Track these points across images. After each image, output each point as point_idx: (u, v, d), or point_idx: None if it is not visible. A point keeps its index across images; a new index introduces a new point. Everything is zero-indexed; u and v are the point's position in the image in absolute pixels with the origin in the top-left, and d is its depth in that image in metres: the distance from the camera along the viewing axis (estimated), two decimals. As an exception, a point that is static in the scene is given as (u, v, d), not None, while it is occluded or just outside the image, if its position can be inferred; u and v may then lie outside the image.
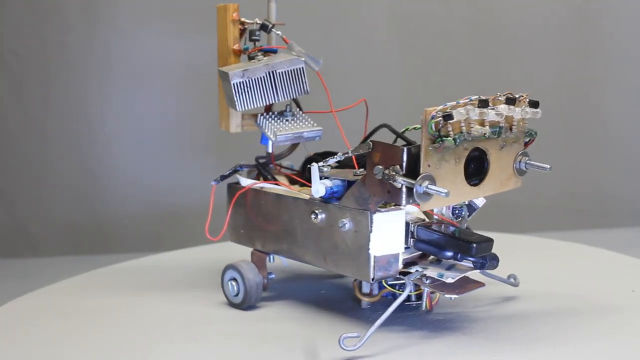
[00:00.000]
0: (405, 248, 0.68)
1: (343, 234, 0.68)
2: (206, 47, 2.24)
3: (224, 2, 0.79)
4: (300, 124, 0.79)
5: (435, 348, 0.65)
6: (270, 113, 0.81)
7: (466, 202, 0.72)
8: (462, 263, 0.67)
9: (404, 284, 0.69)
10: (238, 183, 0.81)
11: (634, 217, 2.36)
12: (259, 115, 0.80)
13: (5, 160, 2.29)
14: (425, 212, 0.72)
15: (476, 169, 0.67)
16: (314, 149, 0.82)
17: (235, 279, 0.80)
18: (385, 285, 0.71)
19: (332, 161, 0.72)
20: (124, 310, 0.82)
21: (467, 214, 0.73)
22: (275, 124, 0.79)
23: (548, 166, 0.69)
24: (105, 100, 2.28)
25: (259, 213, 0.78)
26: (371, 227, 0.65)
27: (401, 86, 2.25)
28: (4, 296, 0.96)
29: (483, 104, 0.64)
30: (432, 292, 0.73)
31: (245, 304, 0.79)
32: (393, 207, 0.67)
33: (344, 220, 0.67)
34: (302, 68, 0.76)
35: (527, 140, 0.70)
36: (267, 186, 0.78)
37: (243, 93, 0.75)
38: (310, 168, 0.71)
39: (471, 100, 0.64)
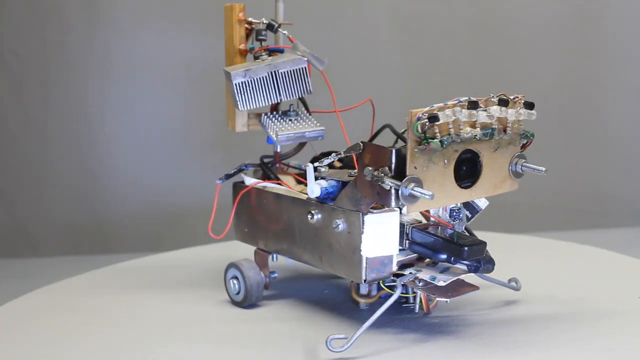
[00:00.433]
0: (402, 250, 0.68)
1: (337, 235, 0.68)
2: (206, 47, 2.25)
3: (230, 2, 0.79)
4: (303, 123, 0.79)
5: (426, 351, 0.65)
6: (274, 112, 0.81)
7: (458, 205, 0.71)
8: (456, 266, 0.67)
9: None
10: (243, 182, 0.82)
11: (634, 217, 2.36)
12: (263, 114, 0.80)
13: (5, 160, 2.29)
14: (422, 214, 0.72)
15: (469, 171, 0.67)
16: (320, 149, 0.82)
17: (236, 277, 0.80)
18: (383, 287, 0.71)
19: (326, 162, 0.72)
20: (124, 310, 0.82)
21: (470, 215, 0.72)
22: (278, 123, 0.79)
23: (543, 169, 0.68)
24: (105, 100, 2.28)
25: (261, 212, 0.79)
26: (363, 228, 0.65)
27: (403, 86, 2.25)
28: (4, 296, 0.96)
29: (472, 105, 0.63)
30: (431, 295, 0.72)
31: (246, 302, 0.79)
32: (388, 208, 0.67)
33: (337, 221, 0.67)
34: (305, 68, 0.76)
35: (524, 142, 0.69)
36: (270, 185, 0.78)
37: (245, 93, 0.76)
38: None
39: (460, 101, 0.63)
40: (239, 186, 0.82)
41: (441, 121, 0.61)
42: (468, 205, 0.73)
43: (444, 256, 0.65)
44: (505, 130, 0.67)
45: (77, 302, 0.86)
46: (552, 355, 0.64)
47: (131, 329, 0.76)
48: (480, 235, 0.74)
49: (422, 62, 2.29)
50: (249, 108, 0.76)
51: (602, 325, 0.71)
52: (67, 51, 2.24)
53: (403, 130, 0.70)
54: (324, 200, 0.70)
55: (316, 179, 0.71)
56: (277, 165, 0.83)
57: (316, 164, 0.72)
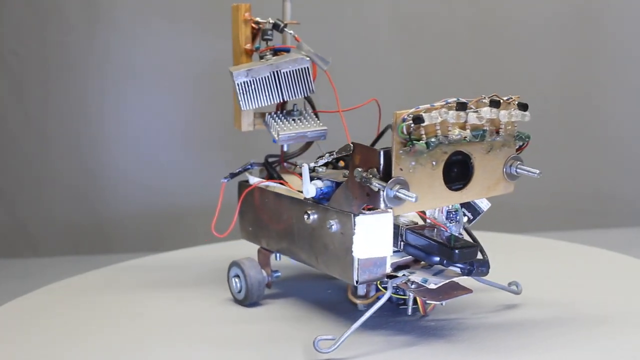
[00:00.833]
0: (397, 252, 0.68)
1: (331, 236, 0.68)
2: (206, 47, 2.25)
3: (237, 1, 0.79)
4: (306, 123, 0.79)
5: (414, 355, 0.65)
6: (278, 112, 0.81)
7: (455, 207, 0.70)
8: (450, 269, 0.66)
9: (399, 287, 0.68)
10: (247, 181, 0.82)
11: (634, 217, 2.36)
12: (267, 113, 0.80)
13: (5, 160, 2.29)
14: (420, 216, 0.71)
15: (460, 173, 0.66)
16: (327, 149, 0.82)
17: (238, 276, 0.81)
18: (380, 288, 0.71)
19: (321, 162, 0.72)
20: (124, 310, 0.82)
21: (472, 217, 0.72)
22: (281, 123, 0.79)
23: (537, 171, 0.68)
24: (105, 100, 2.28)
25: (264, 212, 0.79)
26: (354, 229, 0.65)
27: (403, 86, 2.25)
28: (4, 296, 0.96)
29: (461, 106, 0.62)
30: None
31: (248, 301, 0.80)
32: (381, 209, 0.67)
33: (331, 221, 0.67)
34: (308, 68, 0.76)
35: (521, 144, 0.68)
36: (272, 185, 0.78)
37: (247, 92, 0.76)
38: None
39: (448, 103, 0.63)
40: (243, 185, 0.82)
41: (427, 123, 0.61)
42: (470, 207, 0.72)
43: (436, 259, 0.65)
44: (498, 132, 0.66)
45: (77, 302, 0.86)
46: (544, 359, 0.63)
47: (131, 329, 0.76)
48: (480, 235, 0.74)
49: (422, 62, 2.29)
50: (251, 108, 0.76)
51: (602, 325, 0.71)
52: (67, 51, 2.24)
53: (382, 130, 0.70)
54: (319, 200, 0.70)
55: (313, 179, 0.71)
56: (284, 164, 0.83)
57: (311, 164, 0.72)
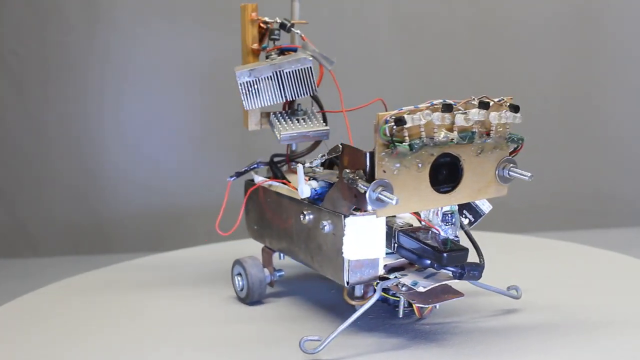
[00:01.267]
0: (392, 254, 0.68)
1: (324, 236, 0.67)
2: (206, 46, 2.25)
3: (243, 2, 0.79)
4: (309, 123, 0.79)
5: (401, 358, 0.64)
6: (283, 111, 0.81)
7: (440, 208, 0.69)
8: (443, 272, 0.66)
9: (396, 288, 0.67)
10: (253, 180, 0.82)
11: (634, 217, 2.36)
12: (271, 113, 0.80)
13: (5, 160, 2.29)
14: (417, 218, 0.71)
15: (450, 175, 0.65)
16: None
17: (240, 274, 0.81)
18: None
19: (316, 162, 0.72)
20: (124, 310, 0.82)
21: (473, 220, 0.71)
22: (284, 122, 0.79)
23: (529, 174, 0.66)
24: (105, 100, 2.28)
25: (267, 211, 0.79)
26: (344, 230, 0.65)
27: (403, 86, 2.25)
28: (4, 296, 0.96)
29: (447, 108, 0.61)
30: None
31: (249, 299, 0.80)
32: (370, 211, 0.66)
33: (324, 222, 0.67)
34: (310, 68, 0.76)
35: (515, 146, 0.67)
36: (275, 184, 0.78)
37: (250, 92, 0.76)
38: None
39: (432, 104, 0.62)
40: (249, 184, 0.82)
41: (409, 125, 0.60)
42: (472, 209, 0.72)
43: (428, 262, 0.64)
44: (488, 134, 0.65)
45: (77, 302, 0.86)
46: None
47: (131, 328, 0.76)
48: (480, 235, 0.74)
49: (422, 62, 2.29)
50: (254, 107, 0.76)
51: (602, 326, 0.71)
52: (67, 51, 2.24)
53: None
54: (315, 201, 0.70)
55: (313, 179, 0.71)
56: (295, 163, 0.83)
57: (307, 165, 0.71)
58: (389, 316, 0.74)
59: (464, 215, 0.72)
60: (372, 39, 2.28)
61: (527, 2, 2.28)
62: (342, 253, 0.65)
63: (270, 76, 0.76)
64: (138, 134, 2.30)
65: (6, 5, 2.21)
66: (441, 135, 0.62)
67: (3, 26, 2.22)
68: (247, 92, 0.76)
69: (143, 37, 2.26)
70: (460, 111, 0.62)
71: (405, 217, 0.70)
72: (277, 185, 0.78)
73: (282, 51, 0.79)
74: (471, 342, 0.67)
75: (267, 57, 0.79)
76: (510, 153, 0.68)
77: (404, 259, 0.68)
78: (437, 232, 0.68)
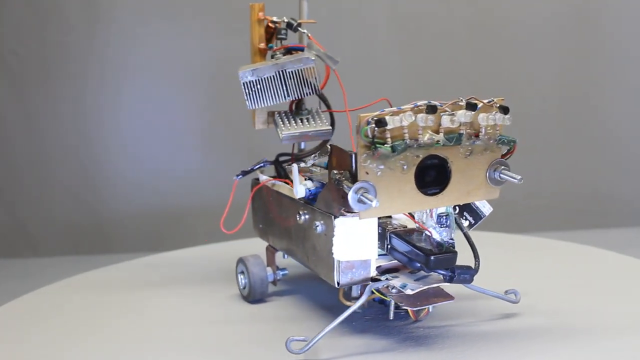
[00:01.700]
0: (385, 255, 0.67)
1: (317, 237, 0.67)
2: (206, 46, 2.25)
3: (254, 1, 0.79)
4: (312, 123, 0.79)
5: None
6: (287, 111, 0.81)
7: (433, 210, 0.68)
8: (435, 275, 0.65)
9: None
10: (258, 179, 0.82)
11: (633, 217, 2.37)
12: (275, 112, 0.80)
13: (5, 160, 2.29)
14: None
15: (438, 177, 0.64)
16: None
17: (243, 272, 0.81)
18: (373, 290, 0.70)
19: (310, 162, 0.71)
20: (124, 310, 0.82)
21: (473, 222, 0.70)
22: (287, 122, 0.79)
23: (519, 177, 0.65)
24: (105, 100, 2.29)
25: (270, 210, 0.79)
26: (333, 231, 0.64)
27: (401, 86, 2.25)
28: (4, 296, 0.96)
29: (431, 110, 0.60)
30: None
31: (251, 297, 0.81)
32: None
33: (317, 222, 0.67)
34: (312, 67, 0.76)
35: (508, 148, 0.66)
36: (278, 184, 0.79)
37: (253, 92, 0.76)
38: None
39: (417, 106, 0.61)
40: (255, 183, 0.83)
41: (390, 126, 0.59)
42: (472, 211, 0.71)
43: (418, 264, 0.63)
44: (477, 136, 0.63)
45: (77, 302, 0.86)
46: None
47: (131, 328, 0.76)
48: (480, 235, 0.74)
49: (421, 62, 2.29)
50: (257, 107, 0.76)
51: (601, 326, 0.71)
52: (67, 51, 2.24)
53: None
54: (310, 201, 0.70)
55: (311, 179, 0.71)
56: (303, 163, 0.83)
57: (302, 165, 0.71)
58: (385, 318, 0.74)
59: (464, 217, 0.71)
60: (371, 39, 2.28)
61: (525, 2, 2.29)
62: (332, 254, 0.65)
63: (273, 76, 0.76)
64: (138, 133, 2.31)
65: (6, 5, 2.21)
66: (426, 136, 0.61)
67: (3, 26, 2.22)
68: (250, 92, 0.76)
69: (143, 37, 2.26)
70: (447, 112, 0.61)
71: (401, 219, 0.70)
72: (280, 185, 0.78)
73: (289, 50, 0.79)
74: (462, 346, 0.67)
75: (272, 57, 0.79)
76: (504, 155, 0.66)
77: (395, 261, 0.67)
78: (430, 234, 0.67)
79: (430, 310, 0.71)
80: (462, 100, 0.62)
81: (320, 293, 0.84)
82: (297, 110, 0.80)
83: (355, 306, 0.66)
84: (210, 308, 0.81)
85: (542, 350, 0.65)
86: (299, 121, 0.79)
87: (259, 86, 0.76)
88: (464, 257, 0.66)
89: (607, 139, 2.36)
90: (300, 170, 0.78)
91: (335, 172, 0.63)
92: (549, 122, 2.31)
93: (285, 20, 0.80)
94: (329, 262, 0.66)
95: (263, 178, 0.81)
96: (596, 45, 2.31)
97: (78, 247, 2.31)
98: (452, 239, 0.69)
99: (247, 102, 0.76)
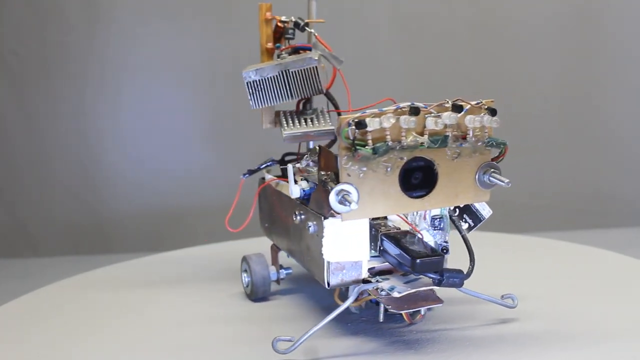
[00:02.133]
0: (378, 257, 0.67)
1: (310, 237, 0.67)
2: (206, 46, 2.25)
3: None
4: (315, 122, 0.79)
5: None
6: (293, 110, 0.81)
7: (426, 212, 0.68)
8: (425, 278, 0.64)
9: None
10: (264, 178, 0.82)
11: (634, 217, 2.36)
12: (280, 112, 0.80)
13: (5, 160, 2.29)
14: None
15: (426, 179, 0.64)
16: None
17: (246, 270, 0.82)
18: (369, 292, 0.70)
19: (304, 162, 0.71)
20: (124, 310, 0.82)
21: (472, 225, 0.70)
22: (290, 121, 0.79)
23: (506, 180, 0.64)
24: (104, 100, 2.29)
25: (273, 209, 0.79)
26: (323, 232, 0.64)
27: (403, 86, 2.25)
28: (4, 296, 0.96)
29: (414, 112, 0.60)
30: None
31: (254, 296, 0.81)
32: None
33: (309, 223, 0.67)
34: (316, 67, 0.76)
35: (500, 151, 0.65)
36: (281, 183, 0.79)
37: (256, 92, 0.76)
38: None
39: (399, 107, 0.60)
40: (261, 182, 0.83)
41: (371, 128, 0.59)
42: (472, 214, 0.70)
43: (406, 267, 0.63)
44: (465, 138, 0.62)
45: (77, 302, 0.86)
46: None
47: (131, 328, 0.76)
48: (480, 235, 0.73)
49: (422, 62, 2.29)
50: (261, 107, 0.77)
51: (601, 326, 0.71)
52: (67, 51, 2.24)
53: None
54: (306, 201, 0.70)
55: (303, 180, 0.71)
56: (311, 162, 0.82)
57: (297, 165, 0.71)
58: (383, 320, 0.73)
59: (464, 220, 0.71)
60: (372, 39, 2.28)
61: (527, 2, 2.28)
62: (322, 254, 0.64)
63: (276, 76, 0.76)
64: (138, 133, 2.31)
65: (6, 5, 2.21)
66: (409, 138, 0.60)
67: (3, 26, 2.22)
68: (254, 92, 0.76)
69: (143, 37, 2.26)
70: (433, 114, 0.61)
71: (396, 221, 0.69)
72: (283, 184, 0.78)
73: (297, 50, 0.79)
74: (450, 350, 0.66)
75: (278, 57, 0.79)
76: (495, 158, 0.65)
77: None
78: (421, 236, 0.67)
79: (423, 312, 0.70)
80: (448, 102, 0.62)
81: (323, 293, 0.84)
82: (302, 109, 0.80)
83: (341, 308, 0.65)
84: (210, 307, 0.81)
85: (534, 354, 0.65)
86: (303, 121, 0.79)
87: (262, 86, 0.76)
88: (463, 260, 0.65)
89: (609, 139, 2.35)
90: (301, 170, 0.78)
91: (322, 173, 0.63)
92: (551, 122, 2.31)
93: (293, 19, 0.80)
94: (320, 262, 0.66)
95: (268, 177, 0.81)
96: (598, 45, 2.31)
97: (78, 247, 2.31)
98: (446, 242, 0.69)
99: (250, 101, 0.76)
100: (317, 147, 0.64)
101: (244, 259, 0.82)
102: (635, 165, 2.37)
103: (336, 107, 0.80)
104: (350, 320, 0.73)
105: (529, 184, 2.27)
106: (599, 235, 2.24)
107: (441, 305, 0.65)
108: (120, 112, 2.30)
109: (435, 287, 0.64)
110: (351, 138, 0.59)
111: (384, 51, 2.28)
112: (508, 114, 2.25)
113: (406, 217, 0.69)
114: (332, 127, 0.78)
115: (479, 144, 0.63)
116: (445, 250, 0.68)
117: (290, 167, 0.69)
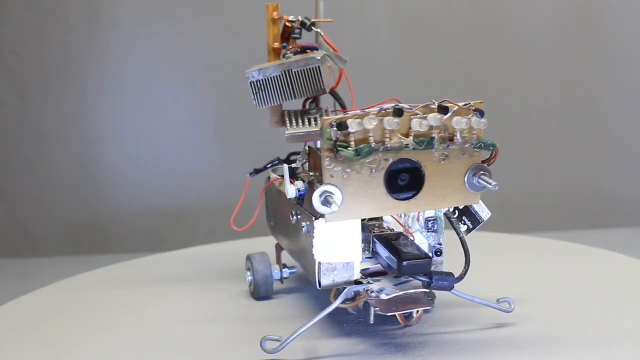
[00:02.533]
0: (371, 258, 0.67)
1: (304, 237, 0.67)
2: (206, 46, 2.25)
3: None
4: (318, 122, 0.79)
5: None
6: (298, 109, 0.81)
7: (419, 213, 0.67)
8: (416, 281, 0.64)
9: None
10: (269, 177, 0.82)
11: (634, 217, 2.36)
12: (285, 111, 0.80)
13: (5, 160, 2.30)
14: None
15: (412, 181, 0.63)
16: None
17: (249, 269, 0.82)
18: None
19: (299, 162, 0.71)
20: (124, 310, 0.82)
21: (471, 226, 0.70)
22: (293, 121, 0.79)
23: (494, 183, 0.63)
24: (104, 100, 2.29)
25: (276, 208, 0.80)
26: (313, 232, 0.64)
27: (403, 86, 2.25)
28: (4, 296, 0.96)
29: (397, 113, 0.59)
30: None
31: (256, 295, 0.81)
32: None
33: (303, 223, 0.67)
34: (318, 67, 0.76)
35: (490, 154, 0.64)
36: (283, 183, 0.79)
37: (260, 91, 0.76)
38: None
39: (382, 109, 0.60)
40: (267, 181, 0.83)
41: (353, 129, 0.58)
42: (471, 216, 0.70)
43: (394, 269, 0.62)
44: (452, 139, 0.62)
45: (77, 302, 0.86)
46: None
47: (131, 328, 0.76)
48: (480, 235, 0.73)
49: (422, 62, 2.29)
50: (264, 106, 0.77)
51: (601, 327, 0.71)
52: (67, 51, 2.24)
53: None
54: (301, 201, 0.70)
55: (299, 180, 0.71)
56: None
57: (294, 165, 0.71)
58: (378, 321, 0.73)
59: (462, 222, 0.70)
60: (372, 39, 2.28)
61: (527, 2, 2.28)
62: (313, 255, 0.64)
63: (279, 75, 0.76)
64: (138, 133, 2.31)
65: (6, 5, 2.21)
66: (393, 140, 0.60)
67: (3, 26, 2.22)
68: (257, 91, 0.76)
69: (143, 37, 2.26)
70: (419, 115, 0.60)
71: (391, 222, 0.69)
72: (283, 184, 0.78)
73: (304, 50, 0.79)
74: (439, 354, 0.66)
75: (283, 56, 0.79)
76: (486, 160, 0.65)
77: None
78: (413, 238, 0.66)
79: (415, 315, 0.70)
80: (434, 103, 0.61)
81: (325, 293, 0.83)
82: (306, 109, 0.80)
83: (329, 309, 0.65)
84: (210, 307, 0.81)
85: (524, 358, 0.64)
86: (306, 120, 0.79)
87: (265, 85, 0.76)
88: (461, 262, 0.65)
89: (609, 139, 2.35)
90: (302, 171, 0.79)
91: (311, 173, 0.63)
92: (551, 122, 2.31)
93: (300, 19, 0.80)
94: (311, 262, 0.66)
95: (273, 177, 0.81)
96: (598, 45, 2.31)
97: (78, 247, 2.31)
98: (439, 244, 0.68)
99: (254, 101, 0.76)
100: (306, 148, 0.64)
101: (248, 258, 0.82)
102: (635, 165, 2.37)
103: (343, 106, 0.80)
104: (345, 321, 0.73)
105: (529, 184, 2.27)
106: (599, 235, 2.24)
107: (430, 309, 0.64)
108: (120, 112, 2.30)
109: (434, 291, 0.64)
110: (333, 139, 0.59)
111: (384, 51, 2.28)
112: (508, 114, 2.26)
113: (399, 219, 0.68)
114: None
115: (467, 145, 0.62)
116: (438, 252, 0.68)
117: (285, 167, 0.69)
